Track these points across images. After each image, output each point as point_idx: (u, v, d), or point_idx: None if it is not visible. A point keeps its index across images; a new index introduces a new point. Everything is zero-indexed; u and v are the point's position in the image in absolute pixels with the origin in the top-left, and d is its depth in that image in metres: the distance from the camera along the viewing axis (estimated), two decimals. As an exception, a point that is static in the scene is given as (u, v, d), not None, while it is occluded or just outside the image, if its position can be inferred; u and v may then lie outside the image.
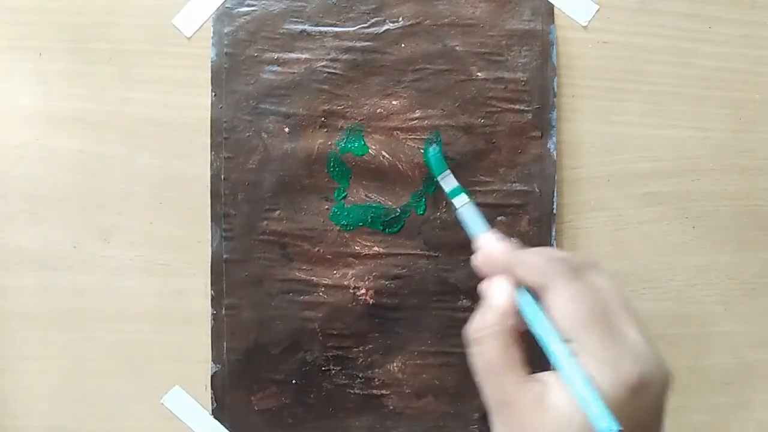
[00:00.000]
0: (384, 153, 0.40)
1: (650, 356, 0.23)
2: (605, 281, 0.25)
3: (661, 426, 0.24)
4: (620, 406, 0.21)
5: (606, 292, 0.24)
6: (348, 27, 0.40)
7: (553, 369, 0.23)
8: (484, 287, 0.27)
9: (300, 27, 0.40)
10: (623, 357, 0.22)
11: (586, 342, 0.23)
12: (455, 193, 0.33)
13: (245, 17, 0.40)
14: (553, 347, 0.23)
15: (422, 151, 0.39)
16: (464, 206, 0.32)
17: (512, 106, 0.40)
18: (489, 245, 0.28)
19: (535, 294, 0.25)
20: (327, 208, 0.40)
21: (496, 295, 0.26)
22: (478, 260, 0.28)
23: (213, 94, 0.40)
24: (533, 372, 0.24)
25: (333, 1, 0.40)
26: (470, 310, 0.40)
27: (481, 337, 0.25)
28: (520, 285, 0.26)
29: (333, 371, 0.40)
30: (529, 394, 0.23)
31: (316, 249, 0.40)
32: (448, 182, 0.34)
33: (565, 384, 0.22)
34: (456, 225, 0.40)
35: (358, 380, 0.40)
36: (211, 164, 0.40)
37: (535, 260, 0.26)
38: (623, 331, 0.23)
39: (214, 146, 0.40)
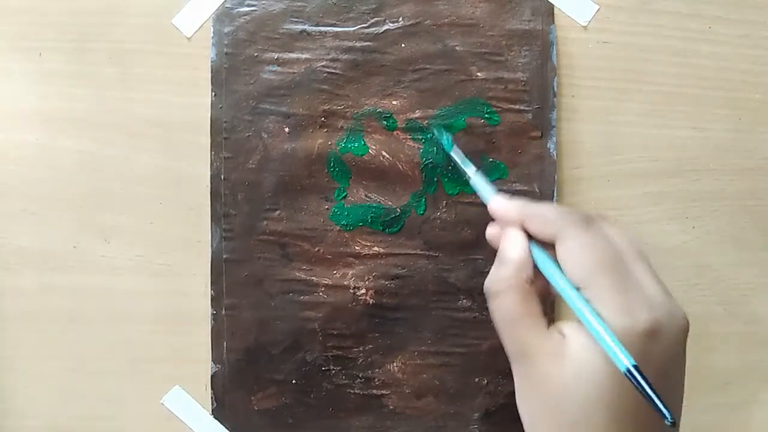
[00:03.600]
0: (384, 153, 0.40)
1: (664, 303, 0.23)
2: (617, 231, 0.25)
3: (681, 373, 0.24)
4: (635, 352, 0.21)
5: (618, 242, 0.24)
6: (348, 27, 0.40)
7: (570, 320, 0.24)
8: (500, 241, 0.28)
9: (300, 27, 0.40)
10: (636, 304, 0.23)
11: (598, 289, 0.23)
12: (466, 164, 0.36)
13: (245, 17, 0.40)
14: (568, 295, 0.24)
15: (429, 127, 0.40)
16: (475, 175, 0.35)
17: (512, 106, 0.40)
18: (501, 204, 0.29)
19: (548, 246, 0.26)
20: (327, 208, 0.40)
21: (511, 247, 0.26)
22: (490, 231, 0.29)
23: (213, 94, 0.40)
24: (550, 324, 0.25)
25: (333, 1, 0.40)
26: (470, 310, 0.40)
27: (498, 290, 0.25)
28: (533, 238, 0.26)
29: (333, 371, 0.40)
30: (547, 344, 0.23)
31: (316, 249, 0.40)
32: (459, 155, 0.37)
33: (583, 330, 0.23)
34: (456, 225, 0.40)
35: (358, 380, 0.40)
36: (211, 164, 0.40)
37: (547, 212, 0.26)
38: (637, 279, 0.23)
39: (214, 146, 0.40)
